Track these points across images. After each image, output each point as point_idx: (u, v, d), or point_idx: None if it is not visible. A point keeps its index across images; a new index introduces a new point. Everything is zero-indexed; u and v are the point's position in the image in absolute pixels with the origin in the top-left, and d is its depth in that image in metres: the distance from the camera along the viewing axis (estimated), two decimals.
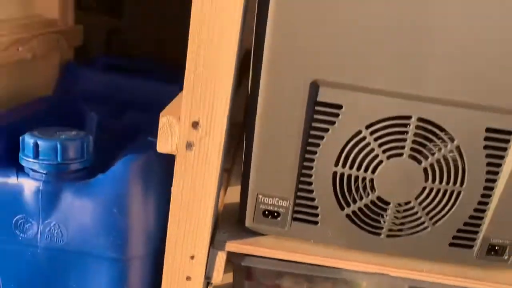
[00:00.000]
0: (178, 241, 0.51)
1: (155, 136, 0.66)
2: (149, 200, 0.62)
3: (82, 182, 0.58)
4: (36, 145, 0.56)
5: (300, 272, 0.55)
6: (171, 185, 0.55)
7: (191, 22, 0.43)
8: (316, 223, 0.51)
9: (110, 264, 0.60)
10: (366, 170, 0.48)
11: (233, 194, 0.61)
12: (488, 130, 0.46)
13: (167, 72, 1.03)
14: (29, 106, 0.73)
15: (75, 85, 0.91)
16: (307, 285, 0.58)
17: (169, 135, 0.47)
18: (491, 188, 0.49)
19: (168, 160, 0.55)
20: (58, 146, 0.56)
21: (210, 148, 0.47)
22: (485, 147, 0.47)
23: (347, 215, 0.50)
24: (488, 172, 0.48)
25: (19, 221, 0.58)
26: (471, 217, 0.50)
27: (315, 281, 0.57)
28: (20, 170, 0.58)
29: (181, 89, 0.87)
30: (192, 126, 0.46)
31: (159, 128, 0.47)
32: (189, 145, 0.47)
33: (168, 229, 0.51)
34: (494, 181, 0.48)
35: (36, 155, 0.56)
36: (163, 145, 0.48)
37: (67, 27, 0.97)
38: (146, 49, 1.14)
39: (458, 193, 0.49)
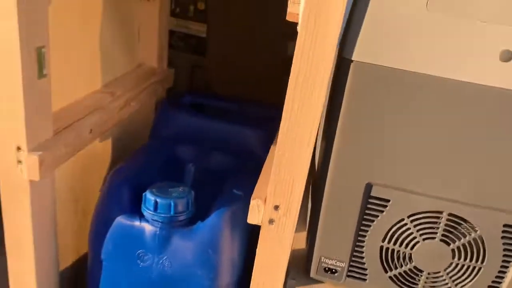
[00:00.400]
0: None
1: (240, 184, 0.84)
2: (235, 241, 0.80)
3: (186, 228, 0.77)
4: (155, 202, 0.75)
5: None
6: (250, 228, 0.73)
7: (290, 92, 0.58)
8: (365, 280, 0.67)
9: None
10: (406, 247, 0.63)
11: (298, 241, 0.78)
12: (505, 225, 0.59)
13: (248, 111, 1.19)
14: (138, 157, 0.92)
15: (168, 128, 1.09)
16: None
17: (257, 212, 0.64)
18: (506, 267, 0.62)
19: None
20: (172, 203, 0.75)
21: (286, 224, 0.63)
22: (503, 237, 0.60)
23: (390, 277, 0.66)
24: (504, 255, 0.61)
25: (140, 254, 0.79)
26: (489, 287, 0.63)
27: None
28: (141, 216, 0.78)
29: (263, 132, 1.03)
30: (274, 208, 0.63)
31: (250, 207, 0.64)
32: (271, 221, 0.64)
33: (252, 278, 0.68)
34: (509, 262, 0.61)
35: (155, 209, 0.75)
36: (252, 219, 0.65)
37: (163, 71, 1.16)
38: (226, 83, 1.31)
39: (479, 269, 0.63)
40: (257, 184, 0.69)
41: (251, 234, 0.84)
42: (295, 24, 0.58)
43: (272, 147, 0.83)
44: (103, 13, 0.90)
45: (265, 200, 0.64)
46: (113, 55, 0.97)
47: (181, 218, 0.77)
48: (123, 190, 0.81)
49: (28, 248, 0.74)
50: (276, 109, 1.20)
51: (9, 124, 0.66)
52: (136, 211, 0.79)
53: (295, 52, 0.55)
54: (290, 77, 0.58)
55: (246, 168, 0.95)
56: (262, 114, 1.22)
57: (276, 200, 0.63)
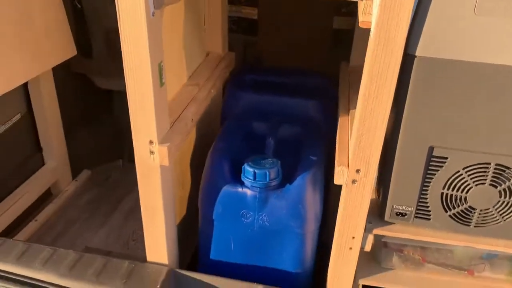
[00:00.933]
0: (344, 231, 0.88)
1: (311, 150, 1.03)
2: (317, 196, 1.00)
3: (279, 190, 0.97)
4: (254, 173, 0.95)
5: (416, 245, 0.91)
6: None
7: (365, 82, 0.76)
8: (429, 219, 0.86)
9: (296, 236, 1.00)
10: (462, 191, 0.82)
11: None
12: None
13: (302, 82, 1.36)
14: (226, 136, 1.11)
15: (238, 107, 1.27)
16: (420, 251, 0.94)
17: (342, 176, 0.83)
18: None
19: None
20: (267, 173, 0.95)
21: (366, 183, 0.82)
22: None
23: (449, 215, 0.85)
24: None
25: (243, 213, 0.99)
26: None
27: (426, 250, 0.93)
28: (242, 183, 0.98)
29: (318, 102, 1.19)
30: (356, 171, 0.82)
31: (336, 172, 0.83)
32: (353, 181, 0.83)
33: (336, 224, 0.88)
34: None
35: (254, 178, 0.95)
36: (338, 180, 0.83)
37: (227, 56, 1.32)
38: (276, 58, 1.47)
39: None
40: (337, 152, 0.87)
41: (326, 190, 1.03)
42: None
43: (340, 119, 1.00)
44: (185, 11, 1.06)
45: (347, 165, 0.83)
46: (192, 50, 1.14)
47: (274, 183, 0.96)
48: (224, 164, 1.01)
49: (159, 212, 0.95)
50: (325, 78, 1.38)
51: (144, 124, 0.85)
52: (235, 179, 0.99)
53: (368, 52, 0.72)
54: (365, 69, 0.74)
55: (311, 136, 1.14)
56: (314, 83, 1.39)
57: (357, 165, 0.81)
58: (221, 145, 1.06)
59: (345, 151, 0.87)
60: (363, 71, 0.76)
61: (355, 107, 1.01)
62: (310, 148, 1.07)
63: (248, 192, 0.97)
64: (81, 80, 1.69)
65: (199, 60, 1.22)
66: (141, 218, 1.55)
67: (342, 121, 0.99)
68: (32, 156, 1.52)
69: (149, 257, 1.03)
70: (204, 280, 1.00)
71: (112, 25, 1.56)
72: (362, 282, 0.97)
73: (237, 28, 1.45)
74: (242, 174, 0.98)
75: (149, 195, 0.93)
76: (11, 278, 1.00)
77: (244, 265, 1.06)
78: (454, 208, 0.84)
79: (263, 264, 1.05)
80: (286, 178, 0.99)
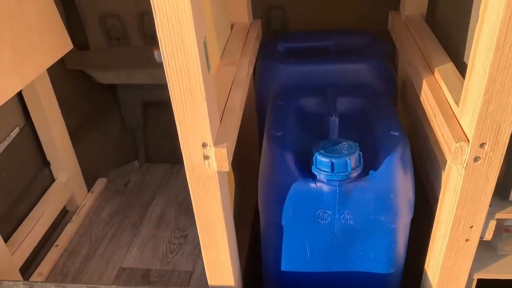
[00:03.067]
0: (460, 222, 0.70)
1: (385, 123, 0.84)
2: (409, 180, 0.81)
3: (362, 180, 0.78)
4: (331, 164, 0.75)
5: None
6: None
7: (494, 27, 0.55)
8: None
9: (388, 232, 0.82)
10: None
11: None
12: None
13: (342, 43, 1.15)
14: (278, 119, 0.91)
15: (277, 81, 1.07)
16: None
17: (460, 154, 0.64)
18: None
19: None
20: (348, 162, 0.75)
21: (493, 159, 0.63)
22: None
23: None
24: None
25: (320, 213, 0.81)
26: None
27: None
28: (312, 177, 0.79)
29: (370, 63, 1.00)
30: (480, 146, 0.63)
31: (453, 150, 0.64)
32: (476, 159, 0.64)
33: (446, 213, 0.70)
34: None
35: (332, 170, 0.76)
36: (455, 160, 0.65)
37: (254, 25, 1.11)
38: (305, 19, 1.26)
39: None
40: (445, 127, 0.68)
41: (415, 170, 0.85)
42: None
43: (424, 81, 0.80)
44: None
45: (467, 139, 0.64)
46: (220, 22, 0.93)
47: (356, 173, 0.77)
48: (287, 156, 0.81)
49: (221, 229, 0.76)
50: (368, 34, 1.17)
51: (194, 124, 0.65)
52: (304, 172, 0.80)
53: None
54: (488, 9, 0.54)
55: (379, 106, 0.94)
56: (358, 42, 1.18)
57: (483, 137, 0.62)
58: (277, 132, 0.86)
59: (453, 121, 0.68)
60: (485, 12, 0.56)
61: (439, 63, 0.82)
62: (383, 121, 0.88)
63: (325, 187, 0.78)
64: (79, 78, 1.47)
65: (227, 34, 1.01)
66: (174, 224, 1.37)
67: (428, 82, 0.79)
68: (39, 173, 1.32)
69: (211, 281, 0.85)
70: None
71: (107, 9, 1.34)
72: (477, 276, 0.80)
73: None
74: (313, 166, 0.78)
75: (207, 210, 0.74)
76: None
77: (323, 274, 0.88)
78: None
79: (347, 270, 0.87)
80: (367, 163, 0.80)
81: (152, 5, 0.56)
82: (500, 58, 0.56)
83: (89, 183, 1.50)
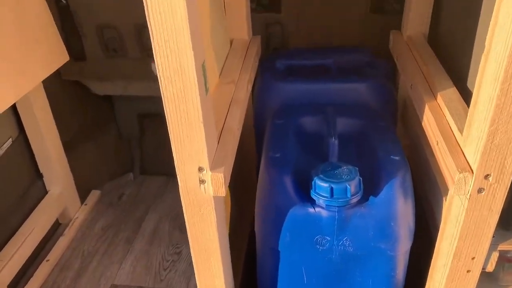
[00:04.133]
0: (462, 253, 0.68)
1: (384, 147, 0.82)
2: (409, 207, 0.79)
3: (362, 206, 0.76)
4: (331, 189, 0.73)
5: None
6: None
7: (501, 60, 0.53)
8: None
9: (387, 259, 0.80)
10: None
11: None
12: None
13: (341, 61, 1.13)
14: (276, 140, 0.89)
15: (276, 99, 1.05)
16: None
17: (464, 184, 0.62)
18: None
19: None
20: (348, 187, 0.73)
21: (498, 190, 0.62)
22: None
23: None
24: None
25: (318, 239, 0.79)
26: None
27: None
28: (311, 201, 0.77)
29: (370, 82, 0.99)
30: (484, 177, 0.61)
31: (456, 181, 0.62)
32: (480, 190, 0.62)
33: (447, 244, 0.68)
34: None
35: (331, 195, 0.74)
36: (458, 191, 0.63)
37: (254, 41, 1.10)
38: (304, 36, 1.25)
39: None
40: (448, 156, 0.66)
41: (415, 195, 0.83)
42: None
43: (426, 106, 0.79)
44: None
45: (471, 170, 0.62)
46: (219, 39, 0.92)
47: (356, 199, 0.75)
48: (286, 179, 0.79)
49: (215, 254, 0.74)
50: (368, 52, 1.16)
51: (190, 147, 0.63)
52: (302, 196, 0.78)
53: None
54: (493, 43, 0.53)
55: (379, 128, 0.92)
56: (358, 60, 1.16)
57: (487, 169, 0.60)
58: (275, 153, 0.84)
59: (456, 149, 0.66)
60: (491, 40, 0.55)
61: (443, 88, 0.80)
62: (384, 144, 0.86)
63: (324, 213, 0.76)
64: (74, 88, 1.45)
65: (226, 51, 0.99)
66: (168, 240, 1.35)
67: (431, 108, 0.77)
68: (32, 185, 1.29)
69: None
70: None
71: (104, 20, 1.33)
72: None
73: (256, 5, 1.22)
74: (312, 190, 0.76)
75: (202, 235, 0.72)
76: None
77: None
78: None
79: None
80: (367, 187, 0.78)
81: (149, 29, 0.54)
82: (507, 89, 0.54)
83: (83, 195, 1.47)
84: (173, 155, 0.65)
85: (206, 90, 0.63)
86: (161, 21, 0.53)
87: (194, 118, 0.60)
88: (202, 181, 0.66)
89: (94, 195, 1.50)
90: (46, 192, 1.33)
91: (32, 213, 1.26)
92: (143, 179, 1.64)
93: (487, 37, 0.57)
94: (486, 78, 0.57)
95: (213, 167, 0.66)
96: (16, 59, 1.00)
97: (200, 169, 0.65)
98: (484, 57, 0.57)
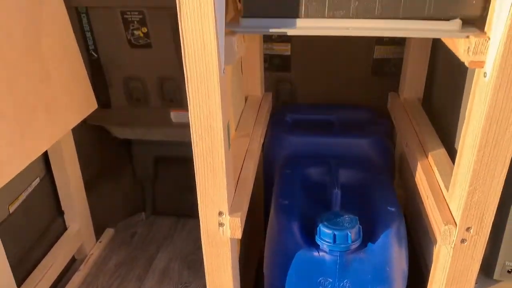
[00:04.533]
0: None
1: (382, 199, 0.92)
2: (403, 253, 0.88)
3: (361, 252, 0.86)
4: (334, 235, 0.83)
5: None
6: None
7: (480, 129, 0.65)
8: None
9: None
10: None
11: None
12: None
13: (345, 117, 1.26)
14: (285, 188, 1.00)
15: (284, 150, 1.16)
16: None
17: (448, 236, 0.72)
18: None
19: None
20: (349, 234, 0.83)
21: (478, 241, 0.71)
22: None
23: None
24: None
25: (321, 281, 0.87)
26: None
27: None
28: (315, 245, 0.86)
29: (372, 139, 1.09)
30: (466, 230, 0.71)
31: (442, 232, 0.72)
32: (463, 241, 0.72)
33: None
34: None
35: (334, 241, 0.83)
36: (444, 241, 0.72)
37: (265, 98, 1.22)
38: (311, 93, 1.38)
39: None
40: (436, 210, 0.76)
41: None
42: None
43: (418, 164, 0.89)
44: None
45: (454, 223, 0.72)
46: (236, 99, 1.04)
47: (355, 245, 0.85)
48: (293, 225, 0.89)
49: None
50: (369, 110, 1.28)
51: (214, 194, 0.73)
52: (308, 241, 0.87)
53: (482, 94, 0.62)
54: (476, 113, 0.64)
55: (377, 180, 1.03)
56: (359, 117, 1.29)
57: (468, 222, 0.70)
58: (284, 200, 0.94)
59: (443, 204, 0.76)
60: (469, 115, 0.66)
61: (433, 149, 0.91)
62: (382, 196, 0.96)
63: (327, 257, 0.85)
64: (98, 132, 1.57)
65: (242, 106, 1.12)
66: (177, 279, 1.42)
67: (422, 166, 0.88)
68: (53, 221, 1.39)
69: None
70: None
71: (130, 73, 1.46)
72: None
73: (269, 65, 1.35)
74: (316, 236, 0.86)
75: (218, 274, 0.81)
76: None
77: None
78: None
79: None
80: (365, 235, 0.87)
81: (188, 98, 0.65)
82: (482, 156, 0.65)
83: (98, 233, 1.56)
84: (198, 200, 0.75)
85: (229, 145, 0.74)
86: (197, 89, 0.65)
87: (219, 169, 0.71)
88: (221, 224, 0.76)
89: (108, 233, 1.59)
90: (66, 228, 1.42)
91: (52, 248, 1.34)
92: (154, 219, 1.73)
93: (467, 110, 0.68)
94: (466, 146, 0.68)
95: (231, 212, 0.76)
96: (52, 109, 1.12)
97: (220, 214, 0.75)
98: (464, 128, 0.69)
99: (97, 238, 1.55)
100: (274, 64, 1.36)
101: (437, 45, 1.04)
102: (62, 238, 1.38)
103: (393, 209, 0.91)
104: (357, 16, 0.64)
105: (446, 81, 1.02)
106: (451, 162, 0.85)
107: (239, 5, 0.85)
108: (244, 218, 0.80)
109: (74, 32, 1.24)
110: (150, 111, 1.48)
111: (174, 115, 1.46)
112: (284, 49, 1.33)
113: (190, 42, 0.62)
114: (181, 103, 1.43)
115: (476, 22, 0.65)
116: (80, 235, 1.44)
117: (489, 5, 0.62)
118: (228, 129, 0.73)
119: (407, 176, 1.18)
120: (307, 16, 0.65)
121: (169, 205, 1.72)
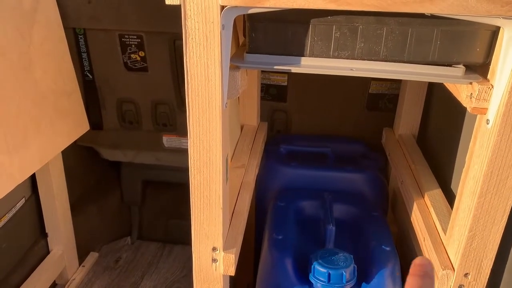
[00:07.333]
0: None
1: (376, 236, 0.90)
2: None
3: None
4: (328, 274, 0.81)
5: None
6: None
7: (481, 176, 0.64)
8: None
9: None
10: None
11: None
12: None
13: (339, 150, 1.25)
14: (278, 223, 0.98)
15: (277, 181, 1.15)
16: None
17: (446, 280, 0.71)
18: None
19: None
20: (344, 274, 0.81)
21: (475, 287, 0.70)
22: None
23: None
24: None
25: None
26: None
27: None
28: (309, 283, 0.84)
29: (366, 174, 1.08)
30: (464, 276, 0.70)
31: (439, 277, 0.71)
32: (460, 286, 0.70)
33: None
34: None
35: (328, 280, 0.82)
36: (441, 286, 0.71)
37: (261, 127, 1.21)
38: (306, 124, 1.38)
39: None
40: (433, 253, 0.75)
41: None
42: None
43: (414, 203, 0.89)
44: None
45: (452, 268, 0.71)
46: (233, 129, 1.03)
47: (350, 285, 0.83)
48: (287, 262, 0.87)
49: None
50: (362, 144, 1.28)
51: (208, 229, 0.72)
52: (301, 279, 0.85)
53: (485, 142, 0.62)
54: (476, 160, 0.64)
55: (371, 217, 1.02)
56: (353, 150, 1.28)
57: (467, 268, 0.69)
58: (278, 235, 0.92)
59: (440, 248, 0.75)
60: (470, 160, 0.66)
61: (429, 189, 0.91)
62: (376, 234, 0.95)
63: None
64: (87, 153, 1.54)
65: (238, 135, 1.11)
66: None
67: (418, 206, 0.87)
68: (36, 244, 1.34)
69: None
70: None
71: (124, 96, 1.45)
72: None
73: (265, 94, 1.35)
74: (311, 274, 0.84)
75: None
76: None
77: None
78: None
79: None
80: (360, 274, 0.85)
81: (188, 130, 0.64)
82: (483, 203, 0.64)
83: (81, 256, 1.51)
84: (191, 233, 0.73)
85: (227, 179, 0.73)
86: (198, 122, 0.64)
87: (215, 203, 0.69)
88: (214, 260, 0.74)
89: (92, 257, 1.54)
90: (48, 252, 1.38)
91: (33, 273, 1.29)
92: (140, 244, 1.69)
93: (467, 154, 0.68)
94: (466, 191, 0.67)
95: (225, 248, 0.74)
96: (43, 131, 1.09)
97: (214, 249, 0.73)
98: (464, 172, 0.68)
99: (80, 262, 1.50)
100: (270, 94, 1.36)
101: (434, 83, 1.05)
102: (44, 262, 1.34)
103: (388, 248, 0.90)
104: (362, 57, 0.64)
105: (443, 120, 1.03)
106: (447, 203, 0.85)
107: (242, 40, 0.85)
108: (238, 254, 0.78)
109: (70, 52, 1.23)
110: (142, 134, 1.46)
111: (167, 140, 1.44)
112: (281, 80, 1.33)
113: (194, 75, 0.61)
114: (174, 128, 1.42)
115: (478, 69, 0.66)
116: (63, 259, 1.39)
117: (492, 53, 0.62)
118: (227, 162, 0.71)
119: (400, 212, 1.17)
120: (312, 55, 0.64)
121: (155, 230, 1.69)
